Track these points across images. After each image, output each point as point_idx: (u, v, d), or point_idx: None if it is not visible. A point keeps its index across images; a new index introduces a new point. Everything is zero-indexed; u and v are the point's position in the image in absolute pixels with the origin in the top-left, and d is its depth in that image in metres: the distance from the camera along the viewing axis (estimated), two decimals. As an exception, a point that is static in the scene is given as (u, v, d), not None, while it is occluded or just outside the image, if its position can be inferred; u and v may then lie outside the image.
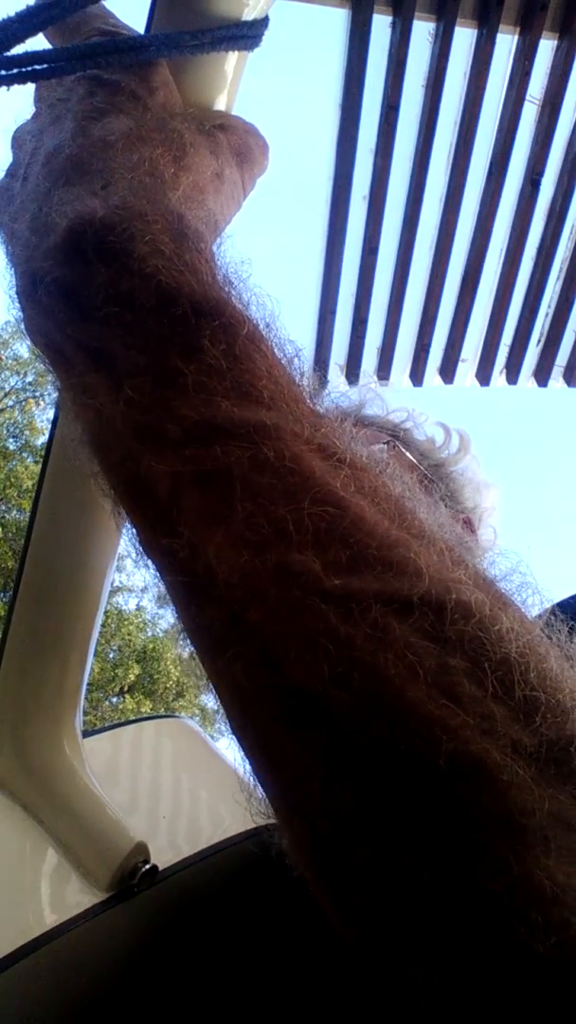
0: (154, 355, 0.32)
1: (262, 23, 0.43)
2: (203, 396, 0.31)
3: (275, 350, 0.34)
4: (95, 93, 0.39)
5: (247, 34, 0.42)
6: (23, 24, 0.38)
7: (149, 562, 0.33)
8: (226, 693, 0.29)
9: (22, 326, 0.36)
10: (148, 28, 0.43)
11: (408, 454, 0.84)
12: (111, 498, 0.34)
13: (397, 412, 0.92)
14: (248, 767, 0.30)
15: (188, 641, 0.31)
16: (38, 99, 0.44)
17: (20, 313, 0.36)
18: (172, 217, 0.35)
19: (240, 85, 0.45)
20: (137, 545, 0.33)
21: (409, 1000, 0.24)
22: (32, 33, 0.38)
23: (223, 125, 0.43)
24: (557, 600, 0.44)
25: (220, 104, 0.46)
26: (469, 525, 0.86)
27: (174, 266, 0.33)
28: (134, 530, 0.33)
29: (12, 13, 0.38)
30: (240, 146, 0.43)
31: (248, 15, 0.42)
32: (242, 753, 0.30)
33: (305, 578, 0.27)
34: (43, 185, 0.37)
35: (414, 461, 0.84)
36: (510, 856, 0.23)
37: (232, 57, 0.44)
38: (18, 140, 0.43)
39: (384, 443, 0.82)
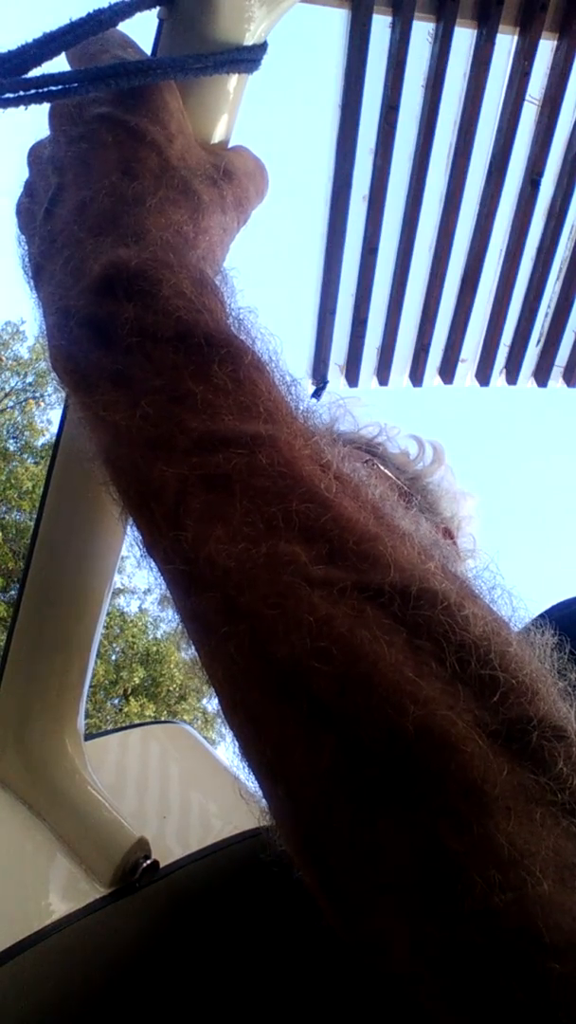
0: (169, 377, 0.36)
1: (261, 48, 0.45)
2: (210, 412, 0.35)
3: (275, 376, 0.39)
4: (121, 143, 0.42)
5: (247, 58, 0.45)
6: (41, 48, 0.40)
7: (151, 561, 0.36)
8: (219, 671, 0.33)
9: (51, 356, 0.40)
10: (154, 52, 0.46)
11: (386, 470, 0.86)
12: (119, 503, 0.38)
13: (369, 427, 0.94)
14: (237, 747, 0.32)
15: (185, 627, 0.34)
16: (54, 128, 0.46)
17: (48, 343, 0.40)
18: (195, 270, 0.40)
19: (241, 104, 0.48)
20: (140, 546, 0.37)
21: (382, 955, 0.26)
22: (48, 57, 0.41)
23: (228, 172, 0.46)
24: (545, 607, 0.46)
25: (223, 121, 0.48)
26: (448, 535, 0.88)
27: (193, 307, 0.38)
28: (139, 532, 0.36)
29: (31, 39, 0.41)
30: (241, 196, 0.48)
31: (248, 40, 0.45)
32: (232, 732, 0.32)
33: (293, 566, 0.31)
34: (78, 233, 0.40)
35: (391, 476, 0.86)
36: (472, 819, 0.25)
37: (234, 79, 0.46)
38: (36, 159, 0.45)
39: (364, 462, 0.83)
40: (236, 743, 0.33)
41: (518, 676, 0.28)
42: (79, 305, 0.38)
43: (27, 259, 0.44)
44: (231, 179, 0.47)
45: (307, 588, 0.30)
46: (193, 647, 0.34)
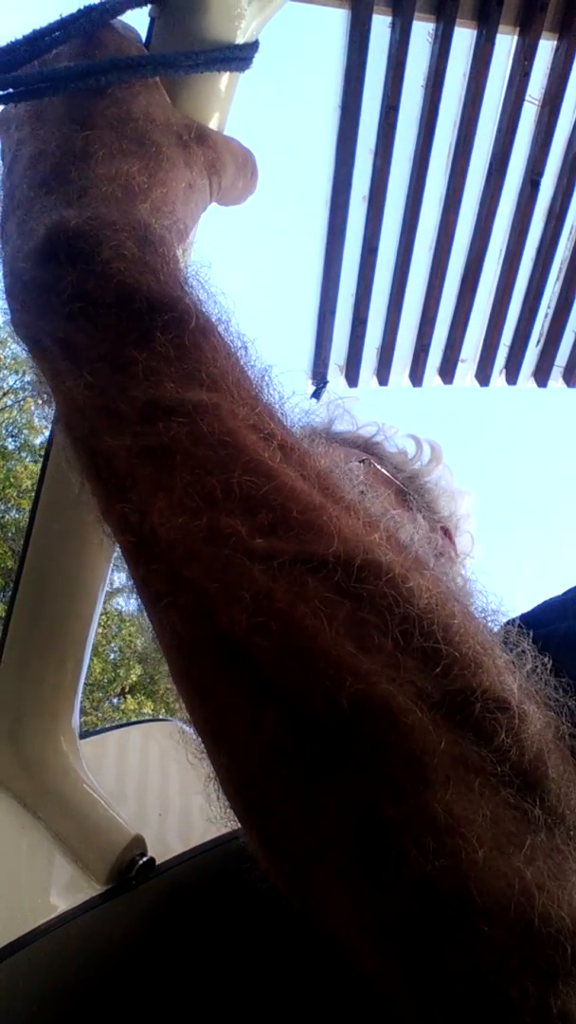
0: (112, 344, 0.35)
1: (252, 47, 0.45)
2: (153, 379, 0.35)
3: (224, 341, 0.38)
4: (78, 95, 0.41)
5: (238, 56, 0.45)
6: (31, 45, 0.40)
7: (105, 527, 0.36)
8: (166, 640, 0.33)
9: (9, 319, 0.39)
10: (146, 48, 0.45)
11: (383, 469, 0.86)
12: (76, 470, 0.37)
13: (367, 427, 0.93)
14: (186, 712, 0.33)
15: (137, 594, 0.35)
16: None
17: (7, 308, 0.40)
18: (139, 225, 0.39)
19: (232, 102, 0.48)
20: (96, 513, 0.37)
21: (322, 918, 0.27)
22: (39, 55, 0.40)
23: (203, 138, 0.45)
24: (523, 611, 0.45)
25: (213, 119, 0.48)
26: (446, 533, 0.88)
27: (135, 268, 0.37)
28: (94, 499, 0.36)
29: (19, 36, 0.40)
30: (214, 160, 0.47)
31: (239, 39, 0.45)
32: (181, 698, 0.33)
33: (233, 539, 0.31)
34: (27, 192, 0.40)
35: (389, 475, 0.85)
36: (410, 788, 0.26)
37: (225, 77, 0.46)
38: (3, 124, 0.44)
39: (360, 461, 0.83)
40: (184, 709, 0.33)
41: (461, 648, 0.29)
42: (26, 268, 0.38)
43: None
44: (203, 142, 0.46)
45: (247, 562, 0.30)
46: (145, 614, 0.35)
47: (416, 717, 0.27)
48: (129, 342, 0.35)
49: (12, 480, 10.66)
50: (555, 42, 0.99)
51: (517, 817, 0.26)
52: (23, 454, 11.28)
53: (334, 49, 0.94)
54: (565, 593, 0.46)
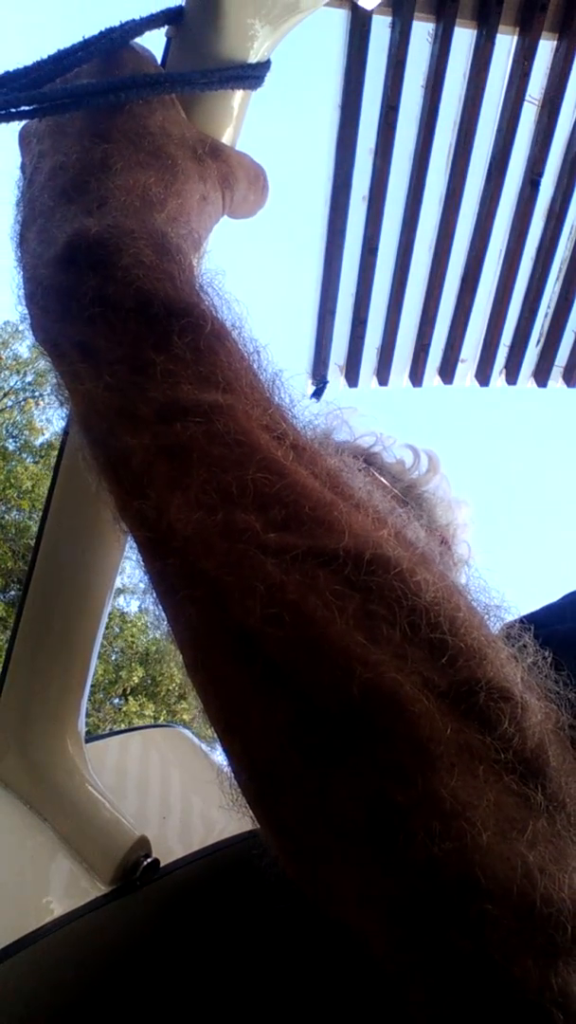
0: (130, 347, 0.37)
1: (264, 66, 0.47)
2: (170, 381, 0.36)
3: (238, 345, 0.39)
4: (97, 108, 0.42)
5: (251, 75, 0.46)
6: (56, 64, 0.42)
7: (122, 525, 0.37)
8: (181, 633, 0.34)
9: (28, 324, 0.41)
10: (163, 66, 0.47)
11: (382, 479, 0.87)
12: (94, 470, 0.38)
13: (365, 437, 0.94)
14: (200, 704, 0.34)
15: (152, 589, 0.36)
16: None
17: (26, 313, 0.41)
18: (156, 234, 0.40)
19: (245, 119, 0.49)
20: (113, 510, 0.38)
21: (332, 902, 0.27)
22: (62, 73, 0.42)
23: (216, 152, 0.47)
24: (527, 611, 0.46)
25: (226, 135, 0.49)
26: (444, 542, 0.89)
27: (153, 274, 0.38)
28: (110, 497, 0.37)
29: (46, 56, 0.42)
30: (227, 174, 0.48)
31: (252, 58, 0.46)
32: (195, 690, 0.34)
33: (248, 533, 0.31)
34: (48, 202, 0.41)
35: (387, 485, 0.86)
36: (417, 774, 0.26)
37: (238, 95, 0.47)
38: (25, 139, 0.46)
39: (360, 471, 0.84)
40: (199, 700, 0.34)
41: (466, 640, 0.29)
42: (47, 275, 0.39)
43: (13, 230, 0.45)
44: (217, 156, 0.47)
45: (261, 556, 0.31)
46: (160, 608, 0.36)
47: (423, 706, 0.27)
48: (148, 345, 0.36)
49: (12, 481, 10.67)
50: (555, 42, 0.99)
51: (520, 803, 0.27)
52: (23, 455, 11.29)
53: (334, 49, 0.94)
54: (564, 597, 0.47)
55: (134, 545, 0.37)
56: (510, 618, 0.38)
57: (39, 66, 0.41)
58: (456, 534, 0.91)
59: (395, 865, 0.26)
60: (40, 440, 11.80)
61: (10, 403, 11.62)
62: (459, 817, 0.25)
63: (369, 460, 0.88)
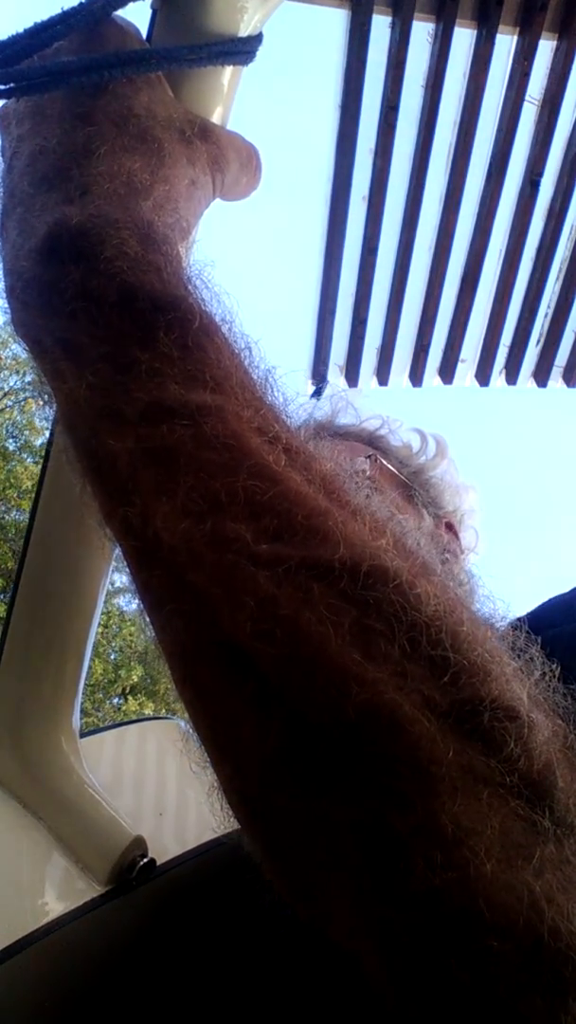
0: (114, 344, 0.35)
1: (256, 39, 0.45)
2: (156, 380, 0.34)
3: (228, 341, 0.37)
4: (79, 89, 0.40)
5: (241, 50, 0.44)
6: (32, 39, 0.39)
7: (107, 530, 0.36)
8: (169, 646, 0.33)
9: (9, 319, 0.39)
10: (148, 42, 0.45)
11: (388, 464, 0.85)
12: (78, 472, 0.37)
13: (371, 420, 0.93)
14: (189, 718, 0.33)
15: (138, 598, 0.35)
16: None
17: (7, 307, 0.39)
18: (141, 223, 0.38)
19: (235, 96, 0.47)
20: (97, 516, 0.36)
21: (326, 927, 0.26)
22: (39, 49, 0.40)
23: (206, 133, 0.45)
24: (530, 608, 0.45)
25: (216, 114, 0.47)
26: (451, 529, 0.88)
27: (138, 267, 0.36)
28: (96, 502, 0.36)
29: (20, 29, 0.39)
30: (217, 156, 0.46)
31: (243, 32, 0.44)
32: (183, 704, 0.33)
33: (237, 544, 0.30)
34: (27, 189, 0.39)
35: (394, 470, 0.85)
36: (417, 799, 0.25)
37: (228, 71, 0.46)
38: (3, 120, 0.44)
39: (367, 456, 0.83)
40: (187, 715, 0.33)
41: (470, 657, 0.28)
42: (27, 267, 0.37)
43: None
44: (206, 138, 0.45)
45: (251, 567, 0.29)
46: (147, 618, 0.35)
47: (424, 727, 0.26)
48: (132, 342, 0.35)
49: (12, 481, 10.66)
50: (555, 42, 0.99)
51: (526, 828, 0.25)
52: (23, 455, 11.27)
53: (334, 49, 0.94)
54: (571, 591, 0.46)
55: (121, 554, 0.36)
56: (513, 617, 0.37)
57: (14, 41, 0.39)
58: (463, 520, 0.90)
59: (393, 896, 0.25)
60: (40, 440, 11.78)
61: (10, 403, 11.61)
62: (461, 845, 0.24)
63: (375, 443, 0.87)
